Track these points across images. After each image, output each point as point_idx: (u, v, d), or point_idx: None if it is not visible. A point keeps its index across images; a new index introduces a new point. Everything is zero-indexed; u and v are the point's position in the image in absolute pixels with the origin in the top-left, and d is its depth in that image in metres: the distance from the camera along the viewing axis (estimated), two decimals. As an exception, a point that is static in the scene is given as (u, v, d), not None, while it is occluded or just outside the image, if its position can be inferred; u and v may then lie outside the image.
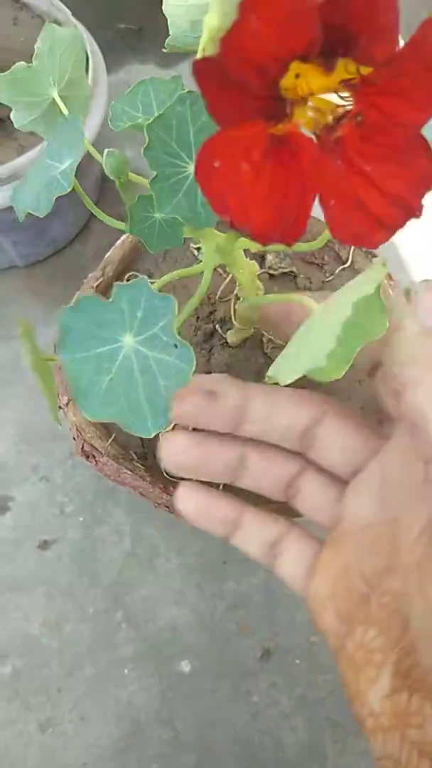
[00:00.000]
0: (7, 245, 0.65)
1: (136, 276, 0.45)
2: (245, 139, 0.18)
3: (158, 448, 0.31)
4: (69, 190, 0.26)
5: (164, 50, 0.28)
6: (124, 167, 0.28)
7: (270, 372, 0.24)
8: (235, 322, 0.43)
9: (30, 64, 0.30)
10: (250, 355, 0.45)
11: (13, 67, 0.30)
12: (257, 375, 0.45)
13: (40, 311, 0.70)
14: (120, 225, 0.31)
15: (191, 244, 0.49)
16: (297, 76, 0.18)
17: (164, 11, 0.30)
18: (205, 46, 0.21)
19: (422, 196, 0.20)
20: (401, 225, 0.20)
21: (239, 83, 0.17)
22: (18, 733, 0.53)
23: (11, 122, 0.60)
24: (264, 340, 0.45)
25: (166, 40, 0.28)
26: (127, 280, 0.45)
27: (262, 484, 0.33)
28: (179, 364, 0.24)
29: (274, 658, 0.56)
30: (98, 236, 0.75)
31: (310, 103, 0.19)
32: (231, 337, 0.44)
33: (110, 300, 0.24)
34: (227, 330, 0.45)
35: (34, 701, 0.54)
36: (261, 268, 0.47)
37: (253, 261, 0.33)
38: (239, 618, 0.58)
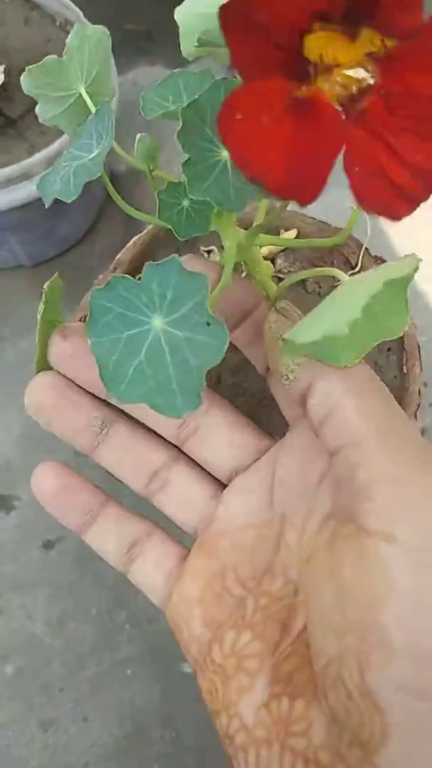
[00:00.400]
0: (15, 244, 0.66)
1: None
2: (268, 92, 0.18)
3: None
4: (98, 175, 0.26)
5: (196, 45, 0.28)
6: (155, 154, 0.29)
7: (287, 335, 0.24)
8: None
9: (61, 58, 0.30)
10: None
11: (45, 59, 0.30)
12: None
13: (46, 311, 0.70)
14: (140, 215, 0.31)
15: (201, 247, 0.49)
16: (319, 50, 0.18)
17: (176, 16, 0.30)
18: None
19: None
20: (425, 197, 0.20)
21: (263, 30, 0.17)
22: (20, 733, 0.53)
23: (22, 122, 0.60)
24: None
25: (198, 38, 0.28)
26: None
27: (123, 463, 0.32)
28: (211, 341, 0.23)
29: (276, 660, 0.56)
30: (105, 236, 0.75)
31: (335, 77, 0.19)
32: (240, 339, 0.45)
33: (140, 280, 0.24)
34: (237, 333, 0.45)
35: (37, 701, 0.54)
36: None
37: (268, 262, 0.33)
38: (242, 620, 0.58)
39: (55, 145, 0.56)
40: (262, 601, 0.27)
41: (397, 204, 0.20)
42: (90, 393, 0.31)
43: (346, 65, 0.19)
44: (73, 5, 0.66)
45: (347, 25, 0.18)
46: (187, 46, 0.29)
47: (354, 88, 0.20)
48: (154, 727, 0.53)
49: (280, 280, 0.48)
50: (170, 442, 0.32)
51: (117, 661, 0.56)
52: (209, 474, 0.31)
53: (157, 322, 0.24)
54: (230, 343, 0.44)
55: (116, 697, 0.54)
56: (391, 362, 0.44)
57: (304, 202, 0.19)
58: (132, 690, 0.55)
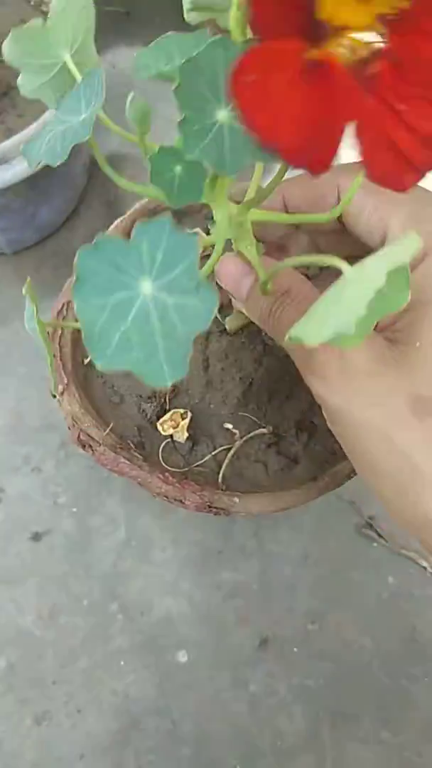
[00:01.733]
0: (-5, 231, 0.64)
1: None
2: (282, 53, 0.18)
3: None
4: (87, 138, 0.25)
5: (188, 10, 0.28)
6: (147, 117, 0.27)
7: (293, 332, 0.23)
8: (234, 305, 0.42)
9: (45, 23, 0.29)
10: (248, 343, 0.44)
11: (29, 22, 0.29)
12: (257, 362, 0.44)
13: (28, 299, 0.68)
14: (129, 185, 0.30)
15: (186, 229, 0.48)
16: (331, 11, 0.18)
17: None
18: None
19: None
20: (431, 167, 0.20)
21: None
22: (14, 727, 0.52)
23: (-2, 104, 0.58)
24: (262, 326, 0.44)
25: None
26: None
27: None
28: (200, 305, 0.22)
29: (271, 646, 0.56)
30: (87, 222, 0.73)
31: (344, 40, 0.19)
32: (229, 323, 0.44)
33: (130, 240, 0.23)
34: (225, 317, 0.44)
35: (30, 694, 0.53)
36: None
37: (259, 243, 0.33)
38: (236, 607, 0.57)
39: (33, 127, 0.54)
40: None
41: (402, 173, 0.20)
42: None
43: (358, 28, 0.19)
44: (48, -17, 0.64)
45: None
46: (190, 14, 0.29)
47: (364, 53, 0.19)
48: (149, 719, 0.53)
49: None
50: None
51: (110, 652, 0.55)
52: None
53: (146, 285, 0.23)
54: (217, 331, 0.44)
55: (110, 688, 0.54)
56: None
57: (315, 170, 0.19)
58: (126, 682, 0.54)
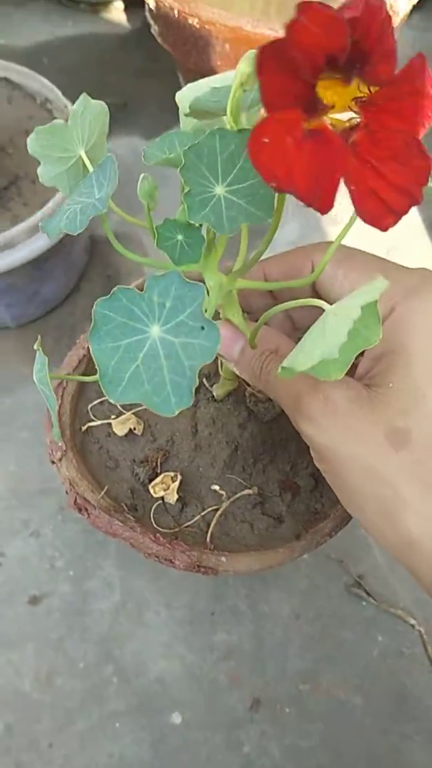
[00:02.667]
0: (1, 307, 0.68)
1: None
2: (289, 121, 0.22)
3: None
4: (104, 211, 0.29)
5: (185, 114, 0.33)
6: (154, 193, 0.32)
7: (285, 363, 0.27)
8: (221, 373, 0.45)
9: (66, 123, 0.34)
10: (234, 409, 0.47)
11: (53, 121, 0.34)
12: (242, 428, 0.47)
13: (30, 370, 0.72)
14: (133, 256, 0.34)
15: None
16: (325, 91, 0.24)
17: (176, 99, 0.34)
18: (236, 90, 0.27)
19: (421, 186, 0.25)
20: (406, 210, 0.25)
21: (291, 66, 0.21)
22: (9, 792, 0.53)
23: (6, 194, 0.64)
24: (246, 394, 0.47)
25: (189, 104, 0.32)
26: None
27: None
28: (205, 344, 0.26)
29: (263, 707, 0.57)
30: (87, 297, 0.78)
31: (328, 118, 0.24)
32: (217, 390, 0.47)
33: (143, 291, 0.27)
34: (213, 384, 0.47)
35: (26, 758, 0.54)
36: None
37: (244, 312, 0.37)
38: (229, 669, 0.58)
39: (38, 215, 0.59)
40: None
41: (385, 216, 0.24)
42: None
43: (338, 108, 0.25)
44: (52, 85, 0.70)
45: (345, 72, 0.23)
46: (186, 118, 0.34)
47: (346, 125, 0.25)
48: (143, 781, 0.53)
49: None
50: None
51: (106, 714, 0.56)
52: None
53: (155, 330, 0.27)
54: (205, 399, 0.47)
55: (106, 751, 0.54)
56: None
57: (323, 210, 0.23)
58: (121, 744, 0.55)
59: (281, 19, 0.72)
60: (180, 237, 0.31)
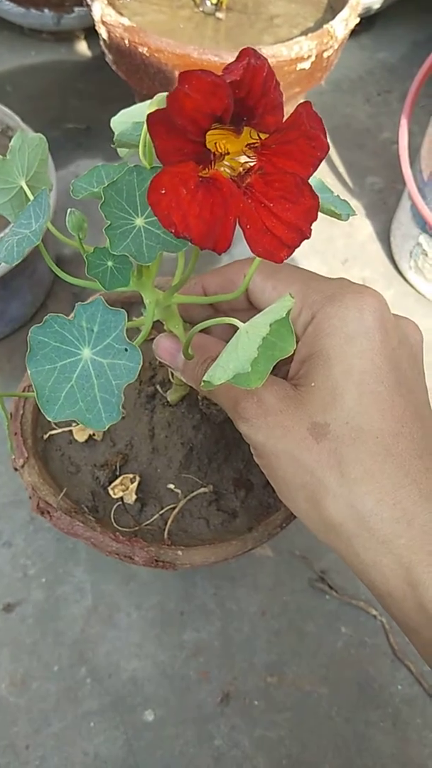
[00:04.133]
0: (-32, 327, 0.71)
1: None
2: (183, 173, 0.25)
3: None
4: (37, 243, 0.32)
5: (113, 146, 0.35)
6: (83, 224, 0.34)
7: (205, 378, 0.30)
8: (173, 380, 0.48)
9: (5, 157, 0.36)
10: (187, 412, 0.50)
11: None
12: (196, 429, 0.50)
13: None
14: (75, 280, 0.37)
15: (118, 309, 0.55)
16: (215, 143, 0.26)
17: (111, 124, 0.37)
18: (146, 133, 0.30)
19: (310, 223, 0.27)
20: (298, 244, 0.27)
21: (178, 130, 0.24)
22: (-13, 794, 0.54)
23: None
24: (199, 398, 0.50)
25: (114, 137, 0.35)
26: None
27: None
28: (129, 364, 0.29)
29: (233, 701, 0.59)
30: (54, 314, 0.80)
31: (226, 162, 0.27)
32: (171, 396, 0.50)
33: (72, 317, 0.30)
34: (167, 390, 0.50)
35: (3, 761, 0.55)
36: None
37: (186, 323, 0.40)
38: (199, 665, 0.60)
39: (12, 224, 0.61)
40: None
41: (278, 250, 0.27)
42: None
43: (234, 153, 0.27)
44: (12, 113, 0.73)
45: (234, 125, 0.26)
46: (121, 135, 0.37)
47: (240, 169, 0.27)
48: (118, 777, 0.55)
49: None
50: None
51: (80, 714, 0.58)
52: None
53: (86, 352, 0.29)
54: (160, 404, 0.50)
55: (81, 750, 0.56)
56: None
57: (219, 251, 0.26)
58: (96, 742, 0.57)
59: (229, 45, 0.76)
60: (110, 263, 0.33)
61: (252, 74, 0.24)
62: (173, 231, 0.25)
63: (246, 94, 0.24)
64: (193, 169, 0.25)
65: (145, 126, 0.30)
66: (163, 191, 0.24)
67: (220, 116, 0.24)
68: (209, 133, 0.25)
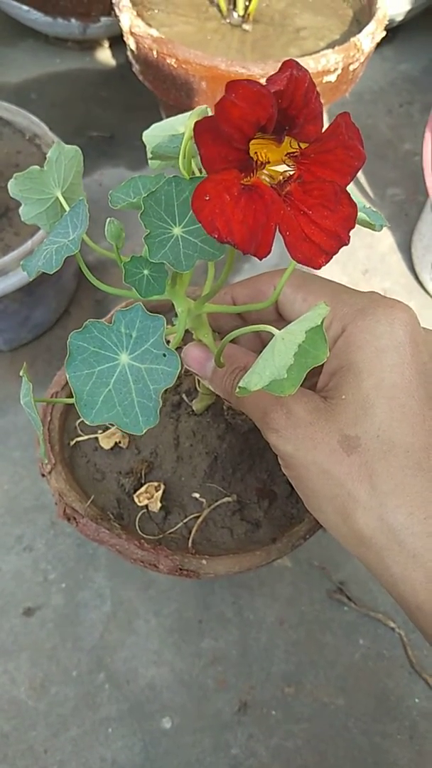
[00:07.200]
0: (-7, 332, 0.72)
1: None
2: (226, 181, 0.26)
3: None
4: (75, 251, 0.32)
5: (150, 158, 0.36)
6: (121, 233, 0.35)
7: (241, 383, 0.30)
8: (199, 389, 0.48)
9: (42, 168, 0.37)
10: (213, 422, 0.50)
11: (29, 168, 0.37)
12: (221, 439, 0.50)
13: (23, 391, 0.75)
14: (109, 288, 0.37)
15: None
16: (256, 152, 0.27)
17: (144, 138, 0.38)
18: (186, 143, 0.31)
19: (348, 230, 0.28)
20: (336, 251, 0.28)
21: (224, 138, 0.24)
22: (6, 797, 0.54)
23: (-4, 225, 0.67)
24: (224, 407, 0.50)
25: (150, 150, 0.36)
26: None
27: None
28: (167, 369, 0.30)
29: (250, 710, 0.59)
30: (77, 320, 0.81)
31: (265, 171, 0.28)
32: (196, 405, 0.50)
33: (111, 323, 0.30)
34: (192, 400, 0.51)
35: (22, 764, 0.56)
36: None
37: (215, 333, 0.40)
38: (216, 674, 0.61)
39: (28, 245, 0.62)
40: None
41: (317, 257, 0.28)
42: None
43: (273, 162, 0.28)
44: (39, 121, 0.74)
45: (276, 135, 0.26)
46: (152, 161, 0.38)
47: (280, 178, 0.28)
48: (135, 784, 0.55)
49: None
50: None
51: (98, 720, 0.58)
52: None
53: (124, 357, 0.30)
54: (186, 413, 0.50)
55: (99, 755, 0.56)
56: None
57: (261, 256, 0.26)
58: (113, 748, 0.57)
59: (255, 57, 0.76)
60: (146, 272, 0.34)
61: (295, 85, 0.25)
62: (216, 236, 0.25)
63: (289, 104, 0.25)
64: (237, 177, 0.26)
65: (184, 138, 0.31)
66: (207, 198, 0.25)
67: (264, 125, 0.25)
68: (251, 142, 0.26)
